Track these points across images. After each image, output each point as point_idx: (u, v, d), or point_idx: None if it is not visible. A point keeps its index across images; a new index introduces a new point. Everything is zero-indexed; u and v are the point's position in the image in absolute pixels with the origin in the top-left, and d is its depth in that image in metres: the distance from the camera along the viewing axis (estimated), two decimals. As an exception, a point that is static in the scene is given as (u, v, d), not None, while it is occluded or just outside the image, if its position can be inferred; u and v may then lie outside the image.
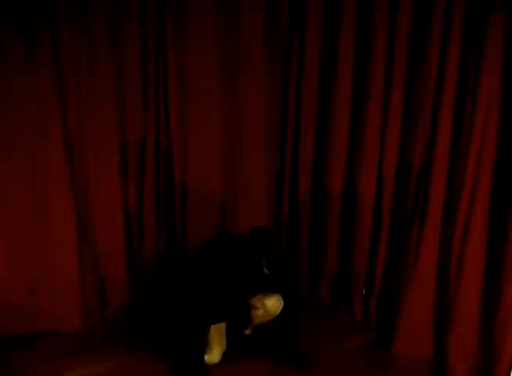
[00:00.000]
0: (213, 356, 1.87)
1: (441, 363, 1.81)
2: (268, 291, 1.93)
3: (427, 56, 1.79)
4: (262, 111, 2.24)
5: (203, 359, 1.84)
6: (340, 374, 1.84)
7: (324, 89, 2.14)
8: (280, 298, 1.92)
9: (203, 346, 1.86)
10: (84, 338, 2.07)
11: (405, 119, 1.96)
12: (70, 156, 2.03)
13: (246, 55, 2.15)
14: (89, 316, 2.18)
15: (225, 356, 1.88)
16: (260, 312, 1.90)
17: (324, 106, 2.16)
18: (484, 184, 1.67)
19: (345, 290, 2.30)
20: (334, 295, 2.35)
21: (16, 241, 2.01)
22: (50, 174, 1.99)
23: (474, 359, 1.72)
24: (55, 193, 2.02)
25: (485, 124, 1.64)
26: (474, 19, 1.64)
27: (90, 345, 2.01)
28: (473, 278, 1.71)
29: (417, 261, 1.88)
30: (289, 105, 2.22)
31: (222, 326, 1.91)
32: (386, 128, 2.01)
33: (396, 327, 2.05)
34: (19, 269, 2.03)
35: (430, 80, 1.78)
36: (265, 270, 1.93)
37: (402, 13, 1.86)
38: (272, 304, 1.89)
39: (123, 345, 2.00)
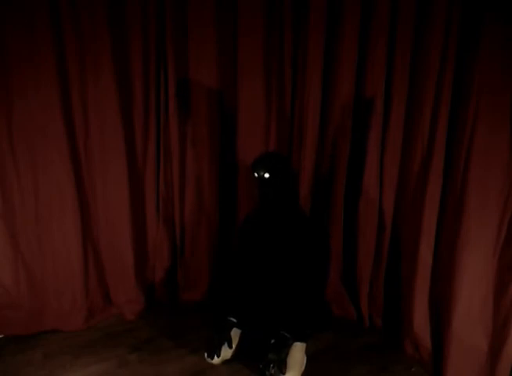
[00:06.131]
0: (227, 352, 1.89)
1: (441, 363, 1.81)
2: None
3: (427, 55, 1.79)
4: (263, 111, 2.25)
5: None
6: (340, 374, 1.85)
7: (325, 91, 2.14)
8: None
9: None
10: (86, 337, 2.08)
11: (405, 124, 1.96)
12: (75, 156, 2.03)
13: (246, 57, 2.15)
14: (92, 316, 2.20)
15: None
16: None
17: (324, 109, 2.17)
18: (485, 185, 1.66)
19: (349, 290, 2.31)
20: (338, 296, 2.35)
21: (19, 240, 2.02)
22: (54, 173, 2.00)
23: (475, 359, 1.73)
24: (59, 193, 2.02)
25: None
26: (470, 17, 1.63)
27: (92, 344, 2.03)
28: (473, 278, 1.70)
29: (416, 261, 1.88)
30: (289, 107, 2.23)
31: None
32: (387, 132, 2.02)
33: (397, 327, 2.07)
34: (22, 268, 2.05)
35: (430, 81, 1.77)
36: None
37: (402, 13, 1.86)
38: None
39: (125, 345, 2.02)
